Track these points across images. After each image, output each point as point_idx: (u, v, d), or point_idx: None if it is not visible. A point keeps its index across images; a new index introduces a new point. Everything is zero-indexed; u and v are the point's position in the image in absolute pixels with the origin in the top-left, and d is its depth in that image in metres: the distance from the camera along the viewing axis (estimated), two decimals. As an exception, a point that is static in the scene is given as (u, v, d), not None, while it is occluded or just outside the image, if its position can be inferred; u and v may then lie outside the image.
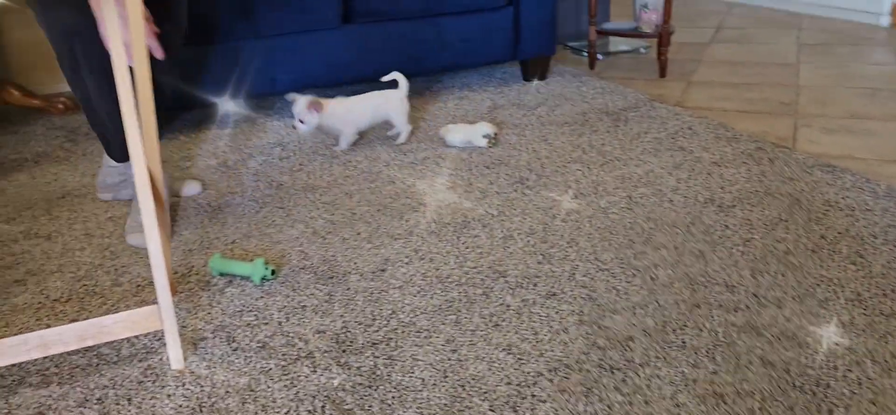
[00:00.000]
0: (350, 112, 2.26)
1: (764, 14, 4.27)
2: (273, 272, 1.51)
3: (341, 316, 1.38)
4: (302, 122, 2.17)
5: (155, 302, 1.44)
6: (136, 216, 1.74)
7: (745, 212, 1.71)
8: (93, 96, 1.70)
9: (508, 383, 1.16)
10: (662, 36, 2.89)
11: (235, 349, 1.29)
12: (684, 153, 2.09)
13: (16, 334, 1.32)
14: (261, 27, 2.41)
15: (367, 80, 2.47)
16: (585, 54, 3.37)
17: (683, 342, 1.24)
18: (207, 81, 2.41)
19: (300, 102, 2.16)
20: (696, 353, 1.21)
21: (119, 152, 1.86)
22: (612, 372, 1.18)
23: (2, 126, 2.72)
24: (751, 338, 1.24)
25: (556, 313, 1.35)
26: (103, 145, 1.89)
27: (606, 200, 1.81)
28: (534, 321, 1.32)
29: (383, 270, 1.53)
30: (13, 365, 1.27)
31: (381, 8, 2.57)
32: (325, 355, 1.26)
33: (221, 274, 1.54)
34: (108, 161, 1.92)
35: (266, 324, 1.36)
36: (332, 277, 1.52)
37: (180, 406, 1.15)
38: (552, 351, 1.24)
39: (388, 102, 2.30)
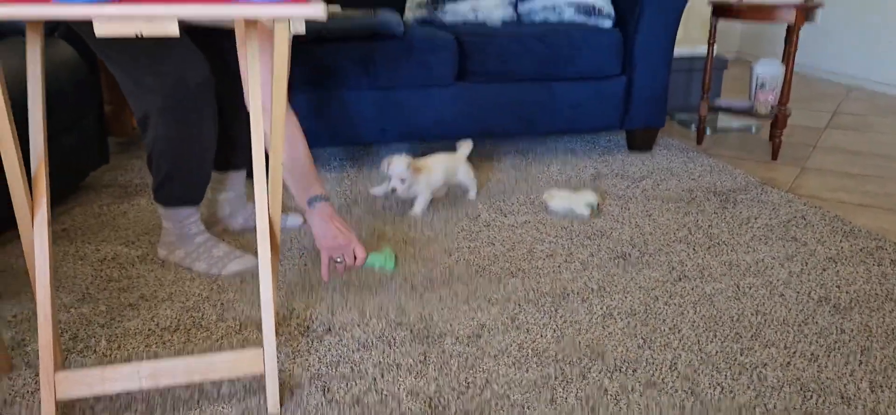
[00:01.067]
0: (428, 175, 2.21)
1: (884, 101, 4.08)
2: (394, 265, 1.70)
3: (435, 379, 1.37)
4: (402, 181, 2.13)
5: (257, 342, 1.48)
6: (213, 249, 1.84)
7: (863, 316, 1.61)
8: (203, 144, 1.71)
9: (603, 474, 1.13)
10: (778, 118, 2.80)
11: (331, 401, 1.30)
12: (797, 244, 2.00)
13: (126, 359, 1.39)
14: (379, 79, 2.48)
15: (472, 138, 2.48)
16: (693, 128, 3.30)
17: (793, 454, 1.17)
18: (320, 126, 2.49)
19: (401, 163, 2.12)
20: (806, 468, 1.14)
21: (199, 192, 1.80)
22: (715, 477, 1.12)
23: (130, 152, 2.89)
24: (868, 459, 1.16)
25: (656, 404, 1.30)
26: (175, 194, 1.76)
27: (712, 286, 1.75)
28: (632, 411, 1.28)
29: (479, 336, 1.52)
30: (123, 391, 1.32)
31: (495, 69, 2.60)
32: (418, 418, 1.26)
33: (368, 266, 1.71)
34: (168, 222, 1.82)
35: (361, 378, 1.37)
36: (427, 337, 1.52)
37: (275, 453, 1.17)
38: (651, 445, 1.19)
39: (457, 163, 2.31)
